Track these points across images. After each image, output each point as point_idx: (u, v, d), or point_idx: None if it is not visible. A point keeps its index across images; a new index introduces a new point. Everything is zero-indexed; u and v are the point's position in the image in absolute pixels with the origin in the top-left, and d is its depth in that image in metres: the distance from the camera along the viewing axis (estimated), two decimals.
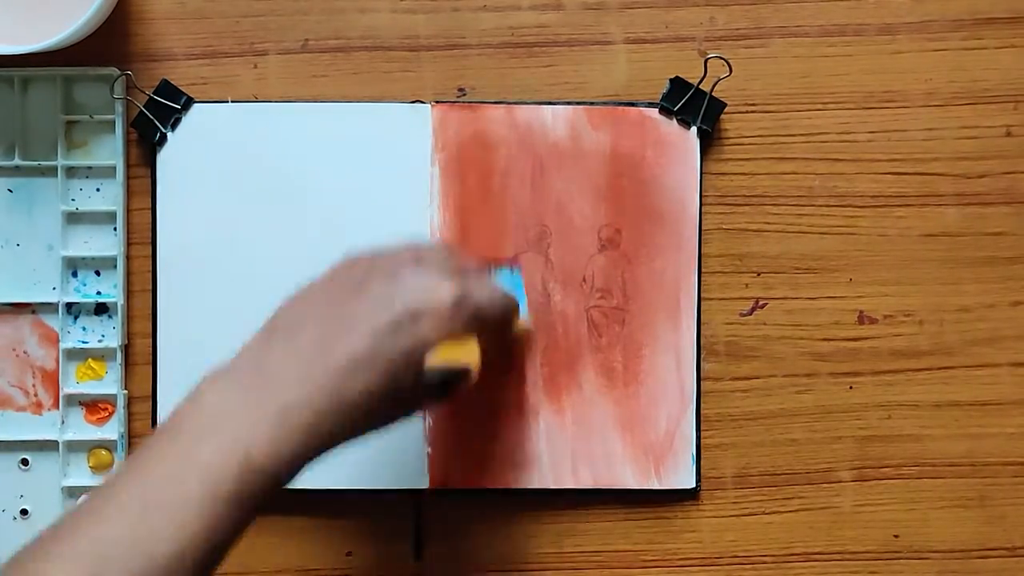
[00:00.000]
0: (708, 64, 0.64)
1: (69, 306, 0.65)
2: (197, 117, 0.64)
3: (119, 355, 0.64)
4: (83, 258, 0.65)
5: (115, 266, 0.65)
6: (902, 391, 0.66)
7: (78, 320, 0.65)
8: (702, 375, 0.65)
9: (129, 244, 0.65)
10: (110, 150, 0.65)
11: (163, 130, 0.64)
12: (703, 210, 0.65)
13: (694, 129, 0.64)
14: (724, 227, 0.66)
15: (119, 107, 0.64)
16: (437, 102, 0.65)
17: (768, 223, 0.66)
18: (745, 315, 0.66)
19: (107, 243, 0.65)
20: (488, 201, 0.64)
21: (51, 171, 0.65)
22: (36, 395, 0.65)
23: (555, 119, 0.64)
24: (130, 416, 0.65)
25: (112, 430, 0.65)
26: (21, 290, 0.65)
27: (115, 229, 0.65)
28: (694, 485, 0.65)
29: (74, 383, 0.65)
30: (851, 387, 0.66)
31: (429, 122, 0.64)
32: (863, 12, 0.66)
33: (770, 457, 0.66)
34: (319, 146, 0.64)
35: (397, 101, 0.65)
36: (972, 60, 0.66)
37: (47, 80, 0.65)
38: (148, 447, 0.48)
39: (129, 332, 0.65)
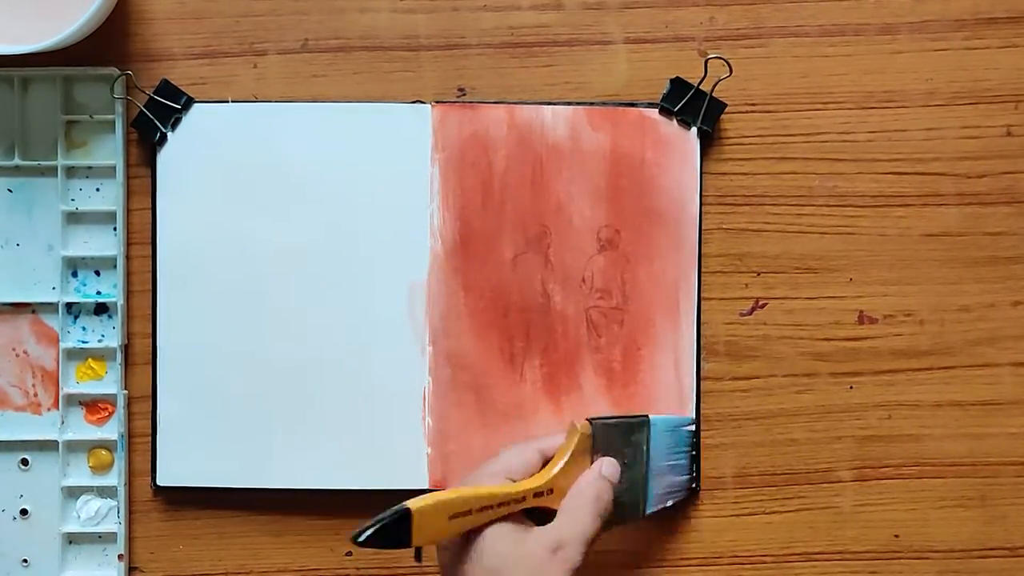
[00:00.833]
0: (708, 65, 0.64)
1: (69, 306, 0.65)
2: (197, 117, 0.64)
3: (119, 355, 0.65)
4: (83, 258, 0.65)
5: (115, 266, 0.65)
6: (902, 391, 0.66)
7: (78, 320, 0.65)
8: (702, 375, 0.65)
9: (129, 244, 0.65)
10: (110, 150, 0.65)
11: (163, 130, 0.64)
12: (703, 210, 0.65)
13: (694, 130, 0.64)
14: (724, 227, 0.66)
15: (119, 107, 0.64)
16: (437, 102, 0.65)
17: (768, 223, 0.66)
18: (745, 315, 0.66)
19: (107, 243, 0.65)
20: (488, 201, 0.64)
21: (51, 171, 0.65)
22: (36, 395, 0.65)
23: (555, 119, 0.64)
24: (130, 416, 0.65)
25: (112, 430, 0.65)
26: (21, 290, 0.65)
27: (115, 229, 0.65)
28: (694, 486, 0.65)
29: (74, 383, 0.65)
30: (851, 387, 0.66)
31: (429, 122, 0.64)
32: (863, 12, 0.66)
33: (770, 457, 0.66)
34: (319, 146, 0.64)
35: (397, 101, 0.65)
36: (973, 60, 0.66)
37: (47, 80, 0.65)
38: None
39: (129, 332, 0.65)
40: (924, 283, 0.66)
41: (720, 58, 0.64)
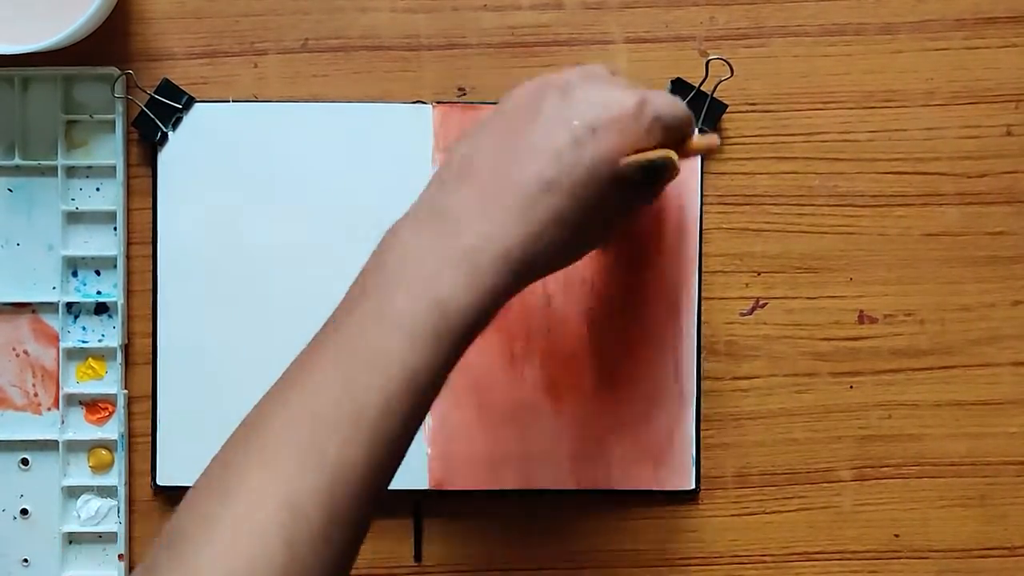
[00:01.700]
0: (709, 66, 0.64)
1: (69, 306, 0.65)
2: (198, 117, 0.64)
3: (119, 355, 0.65)
4: (83, 258, 0.65)
5: (115, 266, 0.65)
6: (902, 391, 0.66)
7: (78, 320, 0.65)
8: (702, 375, 0.65)
9: (129, 244, 0.65)
10: (110, 150, 0.65)
11: (164, 129, 0.64)
12: (703, 210, 0.65)
13: (695, 130, 0.64)
14: (724, 227, 0.66)
15: (119, 106, 0.64)
16: (438, 102, 0.64)
17: (768, 223, 0.66)
18: (745, 315, 0.66)
19: (107, 243, 0.65)
20: None
21: (51, 171, 0.65)
22: (36, 395, 0.65)
23: None
24: (130, 415, 0.65)
25: (112, 430, 0.65)
26: (21, 290, 0.65)
27: (115, 229, 0.65)
28: (694, 486, 0.65)
29: (74, 383, 0.65)
30: (851, 387, 0.66)
31: (430, 122, 0.64)
32: (863, 12, 0.66)
33: (770, 457, 0.66)
34: (320, 146, 0.64)
35: (397, 101, 0.65)
36: (973, 59, 0.66)
37: (47, 80, 0.65)
38: (345, 307, 0.48)
39: (129, 332, 0.65)
40: (924, 283, 0.66)
41: (722, 59, 0.64)
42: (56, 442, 0.65)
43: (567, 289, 0.64)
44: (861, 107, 0.66)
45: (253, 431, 0.46)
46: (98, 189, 0.65)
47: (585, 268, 0.64)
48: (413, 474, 0.64)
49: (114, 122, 0.64)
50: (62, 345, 0.65)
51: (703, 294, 0.65)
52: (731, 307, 0.66)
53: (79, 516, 0.65)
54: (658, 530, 0.66)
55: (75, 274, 0.65)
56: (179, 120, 0.64)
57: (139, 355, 0.65)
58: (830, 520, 0.66)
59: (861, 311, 0.66)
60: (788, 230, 0.66)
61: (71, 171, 0.65)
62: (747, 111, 0.65)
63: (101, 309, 0.65)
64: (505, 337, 0.64)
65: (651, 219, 0.64)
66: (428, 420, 0.64)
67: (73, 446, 0.65)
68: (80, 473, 0.65)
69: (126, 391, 0.65)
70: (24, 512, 0.65)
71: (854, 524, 0.66)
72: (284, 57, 0.65)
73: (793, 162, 0.66)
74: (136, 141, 0.65)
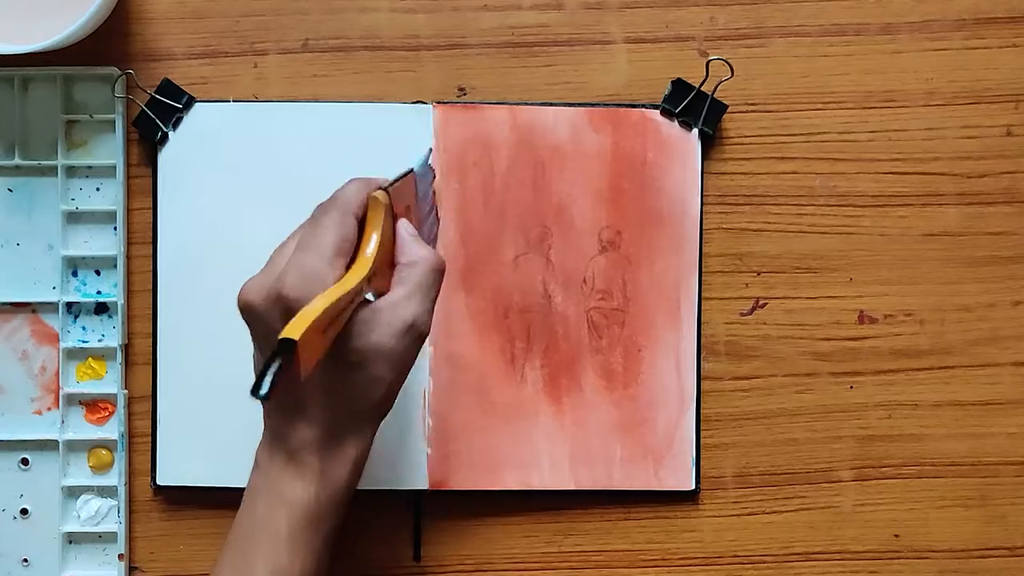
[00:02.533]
0: (709, 66, 0.64)
1: (69, 305, 0.65)
2: (198, 116, 0.64)
3: (119, 355, 0.65)
4: (83, 258, 0.65)
5: (115, 266, 0.65)
6: (902, 391, 0.66)
7: (78, 320, 0.65)
8: (702, 375, 0.65)
9: (129, 244, 0.65)
10: (110, 149, 0.65)
11: (165, 129, 0.64)
12: (703, 210, 0.65)
13: (695, 131, 0.64)
14: (724, 227, 0.66)
15: (119, 106, 0.64)
16: (439, 102, 0.64)
17: (768, 223, 0.66)
18: (745, 315, 0.66)
19: (107, 243, 0.65)
20: (489, 202, 0.64)
21: (51, 171, 0.65)
22: (36, 395, 0.65)
23: (556, 120, 0.64)
24: (130, 416, 0.65)
25: (112, 430, 0.65)
26: (21, 290, 0.65)
27: (115, 229, 0.65)
28: (694, 486, 0.65)
29: (74, 383, 0.65)
30: (851, 387, 0.66)
31: (430, 122, 0.64)
32: (863, 12, 0.66)
33: (770, 457, 0.66)
34: (320, 146, 0.64)
35: (397, 101, 0.65)
36: (973, 60, 0.66)
37: (47, 80, 0.65)
38: (241, 509, 0.56)
39: (129, 332, 0.65)
40: (924, 283, 0.66)
41: (722, 60, 0.64)
42: (56, 442, 0.65)
43: (568, 290, 0.65)
44: (861, 107, 0.66)
45: None
46: (98, 189, 0.65)
47: (586, 269, 0.64)
48: (413, 474, 0.64)
49: (114, 122, 0.64)
50: (62, 345, 0.65)
51: (703, 294, 0.65)
52: (731, 307, 0.66)
53: (79, 516, 0.65)
54: (658, 530, 0.66)
55: (75, 274, 0.65)
56: (179, 120, 0.64)
57: (139, 355, 0.65)
58: (830, 520, 0.66)
59: (861, 311, 0.66)
60: (788, 230, 0.66)
61: (71, 171, 0.65)
62: (747, 111, 0.65)
63: (101, 309, 0.65)
64: (506, 338, 0.64)
65: (651, 219, 0.64)
66: (428, 420, 0.64)
67: (73, 446, 0.65)
68: (80, 473, 0.65)
69: (126, 391, 0.65)
70: (24, 512, 0.65)
71: (854, 524, 0.66)
72: (284, 57, 0.65)
73: (793, 162, 0.66)
74: (136, 141, 0.65)
